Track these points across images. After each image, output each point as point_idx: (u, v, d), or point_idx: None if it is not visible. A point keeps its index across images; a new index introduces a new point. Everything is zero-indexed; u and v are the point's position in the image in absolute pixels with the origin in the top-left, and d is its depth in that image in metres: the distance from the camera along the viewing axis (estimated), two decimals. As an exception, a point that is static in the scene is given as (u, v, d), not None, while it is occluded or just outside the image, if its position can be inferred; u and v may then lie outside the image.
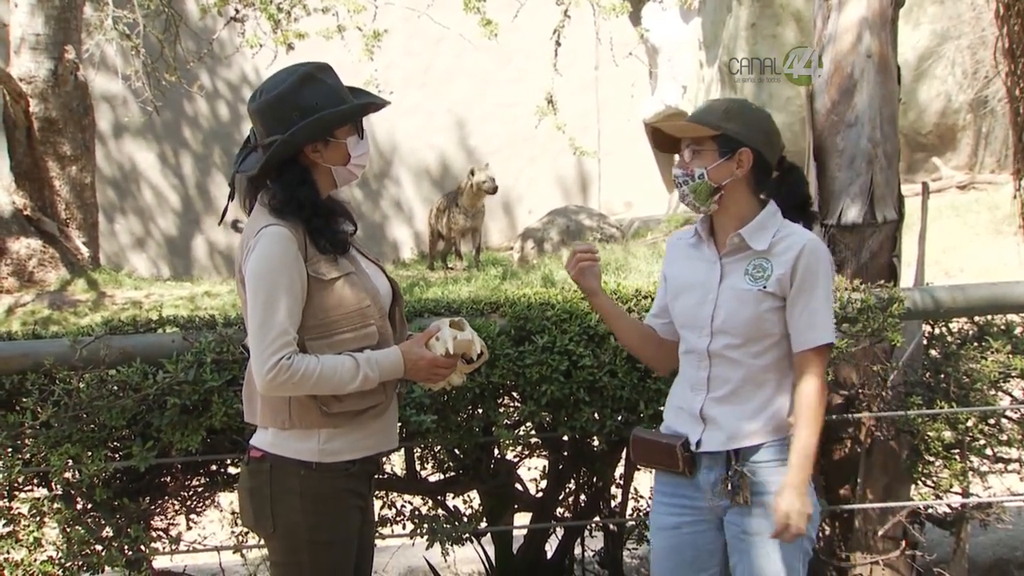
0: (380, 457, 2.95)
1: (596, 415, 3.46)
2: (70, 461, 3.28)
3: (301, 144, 2.63)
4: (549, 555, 4.02)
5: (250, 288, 2.57)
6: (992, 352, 3.71)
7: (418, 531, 3.62)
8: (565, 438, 3.73)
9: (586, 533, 4.03)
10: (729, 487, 2.62)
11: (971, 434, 3.74)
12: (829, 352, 2.65)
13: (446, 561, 3.81)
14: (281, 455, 2.63)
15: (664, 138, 2.77)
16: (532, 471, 3.96)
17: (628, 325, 2.90)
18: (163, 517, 3.68)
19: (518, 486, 3.94)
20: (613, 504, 3.94)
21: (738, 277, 2.65)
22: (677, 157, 2.75)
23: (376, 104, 2.75)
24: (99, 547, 3.37)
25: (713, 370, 2.67)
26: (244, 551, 3.68)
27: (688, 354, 2.74)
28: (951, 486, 3.79)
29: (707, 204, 2.68)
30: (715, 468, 2.65)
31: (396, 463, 3.92)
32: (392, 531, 3.75)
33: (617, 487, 3.92)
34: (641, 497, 3.98)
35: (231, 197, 2.76)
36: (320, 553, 2.65)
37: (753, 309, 2.61)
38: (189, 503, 3.70)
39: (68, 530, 3.36)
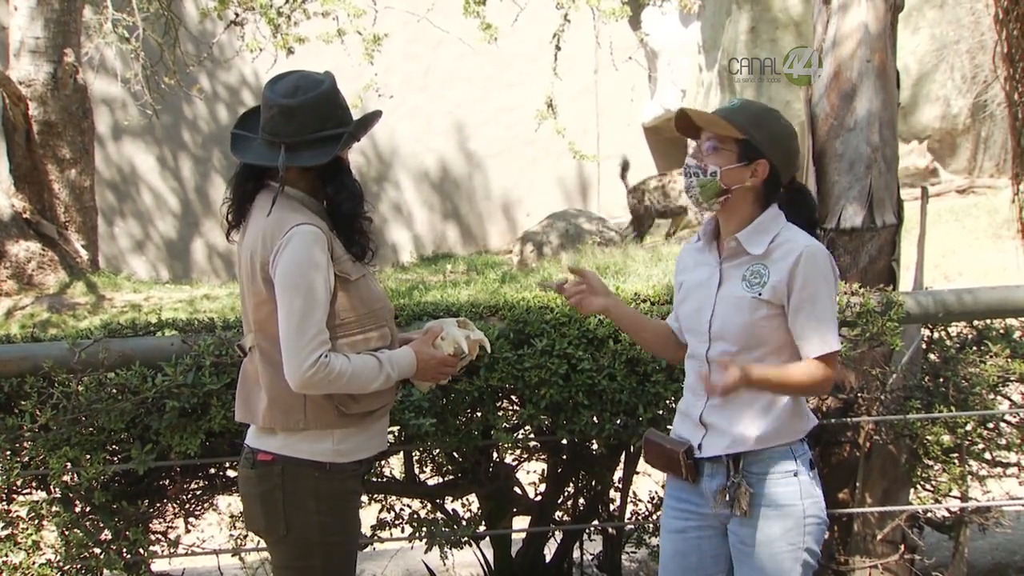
0: (379, 458, 2.97)
1: (595, 418, 3.46)
2: (69, 464, 3.28)
3: (359, 137, 2.71)
4: (548, 558, 4.02)
5: (284, 286, 2.56)
6: (991, 356, 3.71)
7: (416, 534, 3.62)
8: (564, 441, 3.73)
9: (585, 536, 4.03)
10: (727, 497, 2.61)
11: (970, 438, 3.74)
12: (836, 359, 2.62)
13: (445, 564, 3.80)
14: (294, 457, 2.63)
15: (687, 122, 2.70)
16: (531, 474, 3.96)
17: (648, 332, 2.87)
18: (162, 520, 3.68)
19: (517, 489, 3.93)
20: (612, 507, 3.94)
21: (735, 283, 2.62)
22: (692, 146, 2.72)
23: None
24: (98, 550, 3.37)
25: (713, 375, 2.63)
26: (242, 554, 3.67)
27: (691, 359, 2.73)
28: (950, 490, 3.79)
29: (711, 203, 2.63)
30: (717, 476, 2.64)
31: (395, 466, 3.92)
32: (391, 534, 3.75)
33: (616, 490, 3.92)
34: (640, 501, 3.98)
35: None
36: (332, 554, 2.67)
37: (748, 316, 2.58)
38: (188, 506, 3.70)
39: (67, 533, 3.36)
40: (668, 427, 3.27)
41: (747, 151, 2.61)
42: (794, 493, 2.60)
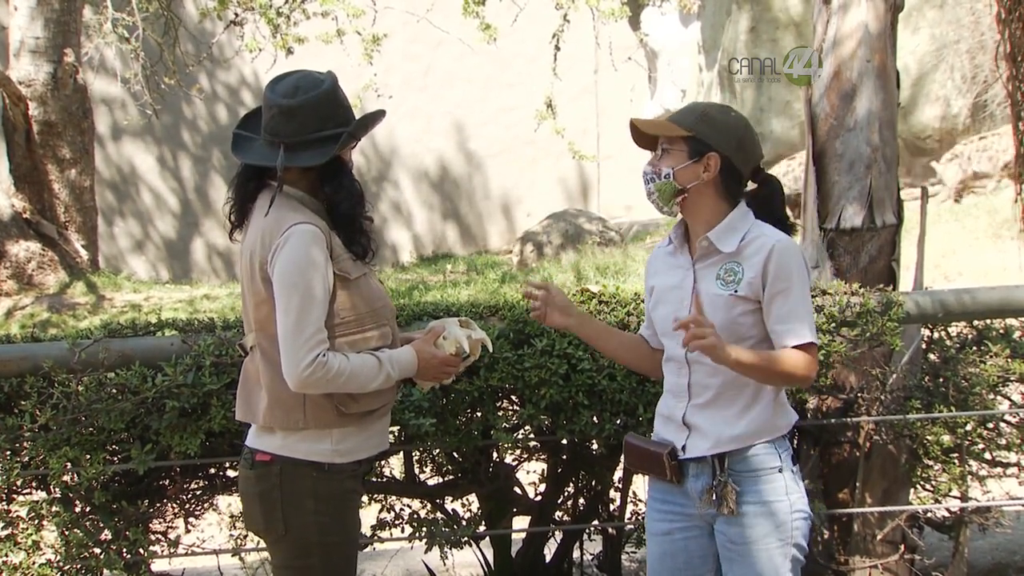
0: (379, 458, 2.97)
1: (595, 418, 3.46)
2: (69, 464, 3.28)
3: (360, 137, 2.71)
4: (548, 558, 4.02)
5: (282, 285, 2.56)
6: (991, 356, 3.71)
7: (416, 534, 3.62)
8: (564, 441, 3.73)
9: (585, 536, 4.03)
10: (714, 497, 2.61)
11: (970, 438, 3.74)
12: (814, 351, 2.59)
13: (445, 564, 3.80)
14: (292, 457, 2.63)
15: (643, 135, 2.74)
16: (531, 474, 3.96)
17: (617, 344, 2.88)
18: (162, 520, 3.68)
19: (517, 489, 3.93)
20: (612, 507, 3.93)
21: (710, 282, 2.62)
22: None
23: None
24: (97, 550, 3.37)
25: (693, 376, 2.65)
26: (242, 554, 3.67)
27: (669, 361, 2.73)
28: (950, 490, 3.79)
29: (670, 205, 2.66)
30: (702, 476, 2.63)
31: (395, 466, 3.92)
32: (391, 534, 3.75)
33: (616, 490, 3.92)
34: (640, 500, 3.98)
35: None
36: (331, 554, 2.67)
37: (725, 314, 2.57)
38: (188, 506, 3.70)
39: (67, 533, 3.36)
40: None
41: (696, 147, 2.63)
42: (779, 489, 2.60)
